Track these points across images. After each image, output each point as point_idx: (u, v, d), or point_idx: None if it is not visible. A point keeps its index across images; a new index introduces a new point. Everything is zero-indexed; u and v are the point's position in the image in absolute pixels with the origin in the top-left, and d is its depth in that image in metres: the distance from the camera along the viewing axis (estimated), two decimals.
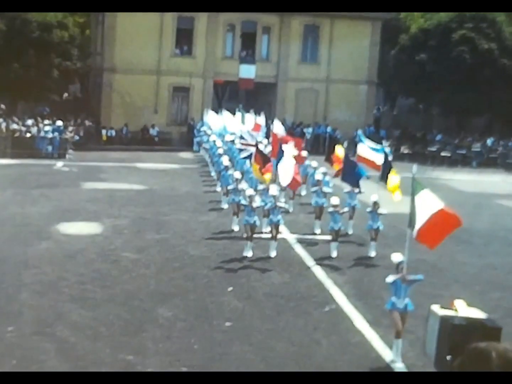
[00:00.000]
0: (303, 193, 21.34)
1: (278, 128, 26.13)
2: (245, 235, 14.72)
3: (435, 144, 36.75)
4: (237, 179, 16.95)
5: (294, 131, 35.03)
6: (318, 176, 17.67)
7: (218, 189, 20.98)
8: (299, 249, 15.28)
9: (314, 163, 20.26)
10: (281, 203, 15.07)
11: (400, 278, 9.48)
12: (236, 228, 16.48)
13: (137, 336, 10.09)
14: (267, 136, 25.95)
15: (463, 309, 8.92)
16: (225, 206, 18.96)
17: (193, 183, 23.99)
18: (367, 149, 17.05)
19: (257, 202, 14.85)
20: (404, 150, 36.43)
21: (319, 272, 13.17)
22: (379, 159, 16.20)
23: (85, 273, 13.01)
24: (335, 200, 14.86)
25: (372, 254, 14.72)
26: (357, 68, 37.96)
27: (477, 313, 8.94)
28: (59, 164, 27.79)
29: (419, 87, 37.78)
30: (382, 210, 14.72)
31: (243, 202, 15.44)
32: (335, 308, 11.59)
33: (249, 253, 14.36)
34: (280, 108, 37.78)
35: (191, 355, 9.49)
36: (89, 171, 26.06)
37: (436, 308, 8.99)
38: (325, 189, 17.09)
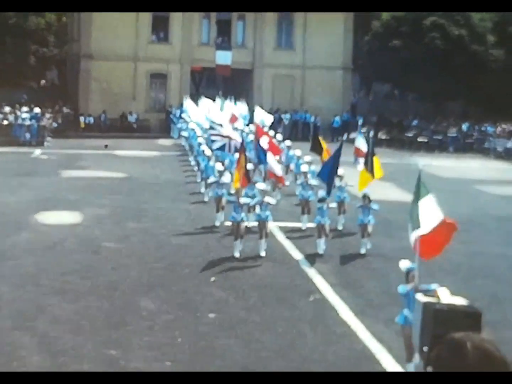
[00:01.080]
0: (287, 183, 20.40)
1: (259, 115, 25.89)
2: (232, 233, 13.87)
3: (411, 129, 36.95)
4: (219, 172, 16.01)
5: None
6: (304, 167, 16.75)
7: (199, 179, 20.26)
8: (282, 238, 15.20)
9: (298, 152, 19.69)
10: (269, 198, 13.98)
11: (412, 288, 8.49)
12: (218, 223, 15.88)
13: (120, 329, 9.94)
14: (249, 123, 25.70)
15: (446, 297, 8.87)
16: (206, 199, 18.31)
17: (173, 171, 23.78)
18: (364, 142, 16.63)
19: (244, 198, 13.99)
20: (382, 136, 36.54)
21: (303, 261, 13.09)
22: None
23: (66, 264, 12.80)
24: (322, 193, 13.98)
25: (363, 251, 13.84)
26: (332, 54, 38.00)
27: (459, 301, 8.91)
28: (38, 152, 27.39)
29: (393, 73, 37.94)
30: (374, 205, 13.99)
31: (226, 197, 14.89)
32: (320, 298, 11.54)
33: (237, 254, 13.48)
34: (257, 94, 37.67)
35: (175, 349, 9.36)
36: (68, 159, 25.71)
37: (420, 296, 8.94)
38: (312, 181, 16.16)
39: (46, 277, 12.05)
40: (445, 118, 38.54)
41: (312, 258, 13.59)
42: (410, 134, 35.79)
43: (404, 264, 8.86)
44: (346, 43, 38.35)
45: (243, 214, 13.61)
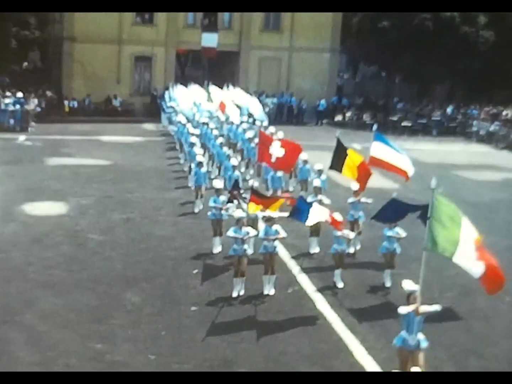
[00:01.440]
0: (291, 188, 18.60)
1: (253, 108, 25.15)
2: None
3: (396, 112, 37.31)
4: (217, 190, 13.55)
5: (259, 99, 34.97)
6: (316, 182, 14.08)
7: (190, 184, 17.99)
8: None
9: (304, 156, 16.55)
10: (278, 227, 11.73)
11: (413, 310, 8.32)
12: (196, 210, 16.15)
13: (105, 323, 10.34)
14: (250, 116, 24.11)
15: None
16: (196, 210, 16.44)
17: (158, 158, 24.02)
18: (385, 149, 13.89)
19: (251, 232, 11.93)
20: (366, 119, 36.94)
21: (282, 252, 13.48)
22: (402, 161, 13.74)
23: (52, 257, 13.14)
24: (338, 217, 11.67)
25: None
26: (320, 36, 38.00)
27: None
28: (22, 138, 27.47)
29: (381, 55, 38.04)
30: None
31: (225, 217, 13.43)
32: (298, 290, 11.99)
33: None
34: (243, 77, 37.73)
35: (159, 342, 9.80)
36: (53, 145, 25.83)
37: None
38: (325, 200, 13.62)
39: (33, 271, 12.39)
40: (430, 101, 38.87)
41: (292, 251, 13.96)
42: (394, 118, 36.14)
43: (407, 285, 8.66)
44: (335, 24, 38.28)
45: (245, 246, 11.68)
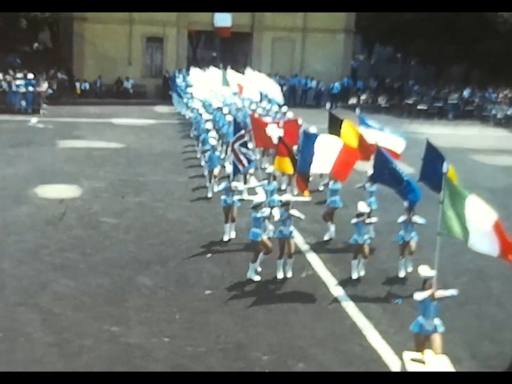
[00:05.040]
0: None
1: (270, 90, 24.85)
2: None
3: (412, 95, 36.93)
4: (228, 176, 13.45)
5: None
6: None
7: (205, 172, 17.51)
8: (276, 213, 15.51)
9: (313, 129, 15.50)
10: (295, 211, 11.64)
11: (429, 296, 8.36)
12: (210, 194, 16.08)
13: (119, 306, 10.38)
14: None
15: (431, 362, 7.87)
16: (210, 194, 16.34)
17: (170, 141, 24.00)
18: (377, 133, 13.54)
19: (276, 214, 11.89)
20: (381, 102, 36.62)
21: (296, 236, 13.44)
22: (399, 145, 13.43)
23: (66, 240, 13.20)
24: (362, 207, 11.79)
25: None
26: (334, 17, 37.55)
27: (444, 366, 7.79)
28: (34, 120, 27.52)
29: (397, 36, 37.60)
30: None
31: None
32: (311, 274, 11.98)
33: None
34: (256, 58, 37.48)
35: (172, 325, 9.83)
36: (65, 127, 25.88)
37: (407, 357, 8.02)
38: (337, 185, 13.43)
39: (47, 253, 12.46)
40: (447, 84, 38.36)
41: (306, 235, 13.94)
42: (410, 101, 35.77)
43: (424, 271, 8.64)
44: None
45: (285, 227, 11.52)
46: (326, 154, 11.92)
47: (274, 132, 14.86)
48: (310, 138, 11.93)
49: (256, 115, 18.73)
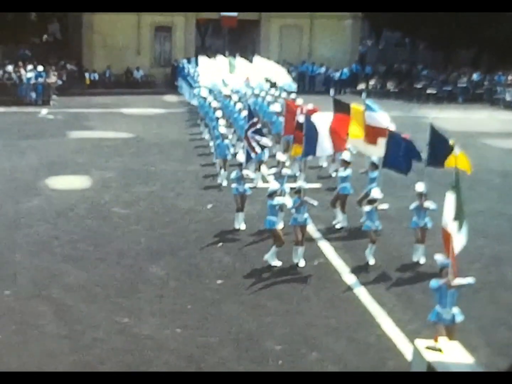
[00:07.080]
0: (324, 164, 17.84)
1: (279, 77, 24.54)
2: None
3: (421, 79, 36.61)
4: (240, 164, 13.50)
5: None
6: (345, 155, 13.79)
7: (215, 160, 17.50)
8: (288, 200, 15.42)
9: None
10: (307, 198, 11.71)
11: (445, 283, 8.19)
12: (224, 182, 16.03)
13: (131, 297, 10.36)
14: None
15: (447, 350, 7.71)
16: (224, 183, 16.18)
17: (179, 130, 23.93)
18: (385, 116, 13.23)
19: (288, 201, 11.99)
20: (390, 87, 36.30)
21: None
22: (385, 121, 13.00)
23: (77, 231, 13.18)
24: (376, 193, 11.80)
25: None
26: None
27: (461, 356, 7.66)
28: (44, 111, 27.54)
29: (405, 20, 37.18)
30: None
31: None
32: (323, 262, 11.89)
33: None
34: (264, 45, 37.25)
35: (184, 316, 9.79)
36: (75, 118, 25.88)
37: (420, 344, 7.83)
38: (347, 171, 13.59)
39: (59, 245, 12.45)
40: (456, 68, 38.01)
41: (317, 222, 13.81)
42: (419, 85, 35.45)
43: (439, 259, 8.52)
44: None
45: (299, 214, 11.56)
46: (324, 135, 12.54)
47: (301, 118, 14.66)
48: (310, 122, 12.51)
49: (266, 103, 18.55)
